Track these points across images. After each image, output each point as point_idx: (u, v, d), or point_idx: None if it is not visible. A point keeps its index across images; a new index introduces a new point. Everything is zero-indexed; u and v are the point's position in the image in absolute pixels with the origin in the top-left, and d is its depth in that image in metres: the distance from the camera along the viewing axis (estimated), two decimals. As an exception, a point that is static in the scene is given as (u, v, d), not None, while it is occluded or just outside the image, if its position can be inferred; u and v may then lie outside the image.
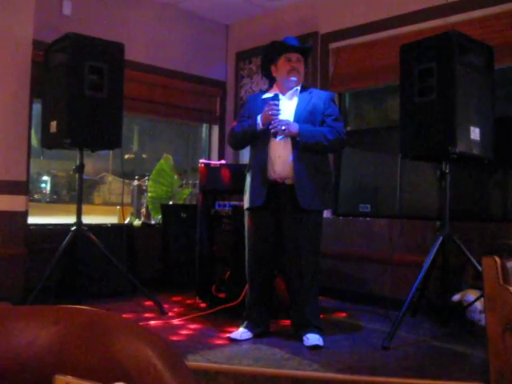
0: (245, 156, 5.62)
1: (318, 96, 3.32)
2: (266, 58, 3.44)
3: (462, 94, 3.20)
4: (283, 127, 3.11)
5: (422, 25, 4.24)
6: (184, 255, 4.78)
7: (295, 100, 3.30)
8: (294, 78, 3.28)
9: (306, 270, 3.17)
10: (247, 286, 3.37)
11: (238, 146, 3.59)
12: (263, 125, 3.19)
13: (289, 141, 3.17)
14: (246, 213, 3.33)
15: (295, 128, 3.13)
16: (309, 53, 3.52)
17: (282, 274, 3.54)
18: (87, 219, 4.01)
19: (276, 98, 3.19)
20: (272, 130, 3.14)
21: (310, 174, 3.17)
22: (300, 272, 3.17)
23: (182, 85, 5.50)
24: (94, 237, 3.79)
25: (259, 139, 3.25)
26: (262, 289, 3.30)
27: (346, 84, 4.90)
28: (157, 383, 0.88)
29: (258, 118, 3.22)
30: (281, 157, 3.18)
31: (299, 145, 3.14)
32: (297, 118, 3.21)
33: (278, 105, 3.15)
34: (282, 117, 3.18)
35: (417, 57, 3.38)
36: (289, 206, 3.17)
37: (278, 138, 3.18)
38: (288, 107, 3.26)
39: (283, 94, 3.31)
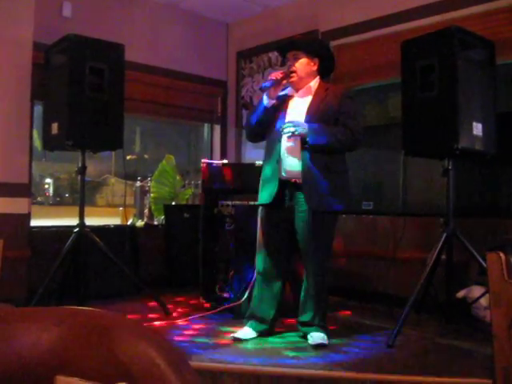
0: (247, 155, 5.62)
1: (334, 93, 3.22)
2: None
3: (464, 90, 3.19)
4: (292, 129, 3.06)
5: (422, 21, 4.22)
6: (187, 255, 4.77)
7: (309, 98, 3.23)
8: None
9: (314, 269, 3.15)
10: (251, 285, 3.35)
11: (252, 133, 3.42)
12: (267, 91, 3.18)
13: (299, 140, 3.12)
14: (260, 209, 3.32)
15: (304, 129, 3.07)
16: (308, 44, 3.28)
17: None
18: (90, 221, 3.99)
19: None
20: (282, 133, 3.11)
21: (320, 174, 3.10)
22: (308, 271, 3.17)
23: (182, 85, 5.49)
24: (96, 238, 3.78)
25: (272, 135, 3.22)
26: (268, 287, 3.26)
27: (347, 81, 4.88)
28: (160, 384, 0.88)
29: (264, 95, 3.21)
30: (290, 156, 3.15)
31: (308, 146, 3.09)
32: (308, 118, 3.15)
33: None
34: (293, 116, 3.17)
35: (418, 53, 3.37)
36: (299, 206, 3.15)
37: (288, 137, 3.13)
38: (301, 106, 3.22)
39: (297, 92, 3.28)
